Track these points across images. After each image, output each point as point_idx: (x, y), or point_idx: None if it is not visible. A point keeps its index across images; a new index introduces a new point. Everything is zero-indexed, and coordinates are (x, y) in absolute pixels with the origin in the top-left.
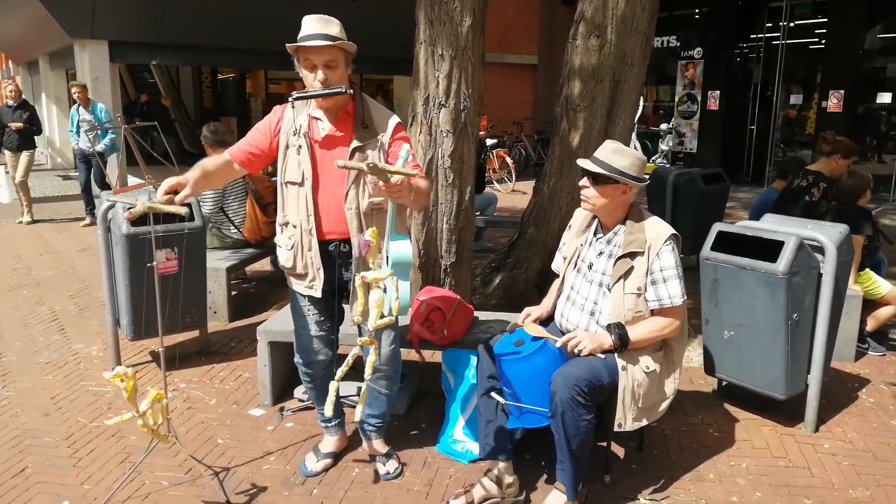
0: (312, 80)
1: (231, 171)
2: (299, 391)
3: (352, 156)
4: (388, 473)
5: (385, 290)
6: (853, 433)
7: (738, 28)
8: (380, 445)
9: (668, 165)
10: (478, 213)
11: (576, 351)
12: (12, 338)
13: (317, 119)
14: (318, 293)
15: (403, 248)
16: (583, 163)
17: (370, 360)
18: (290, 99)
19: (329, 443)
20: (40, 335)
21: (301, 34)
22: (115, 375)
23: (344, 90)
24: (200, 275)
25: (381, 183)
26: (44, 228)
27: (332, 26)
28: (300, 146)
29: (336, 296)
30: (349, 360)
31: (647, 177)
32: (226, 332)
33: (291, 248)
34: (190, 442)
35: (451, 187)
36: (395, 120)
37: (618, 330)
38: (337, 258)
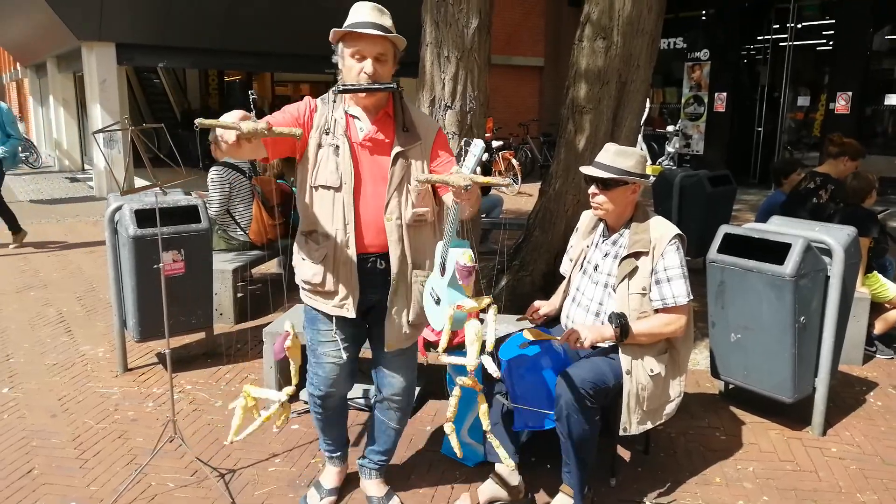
0: (357, 73)
1: (254, 145)
2: (305, 394)
3: (394, 162)
4: None
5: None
6: (861, 437)
7: (745, 29)
8: (379, 486)
9: (674, 167)
10: (483, 216)
11: (577, 343)
12: (20, 339)
13: (354, 118)
14: (351, 313)
15: (465, 254)
16: (587, 170)
17: (483, 410)
18: (333, 91)
19: (332, 476)
20: (48, 336)
21: (352, 20)
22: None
23: (396, 86)
24: (207, 277)
25: (453, 190)
26: (51, 230)
27: (386, 18)
28: (338, 146)
29: (363, 319)
30: (452, 402)
31: (650, 174)
32: (232, 333)
33: (321, 261)
34: (196, 444)
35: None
36: (436, 125)
37: (619, 319)
38: (371, 275)
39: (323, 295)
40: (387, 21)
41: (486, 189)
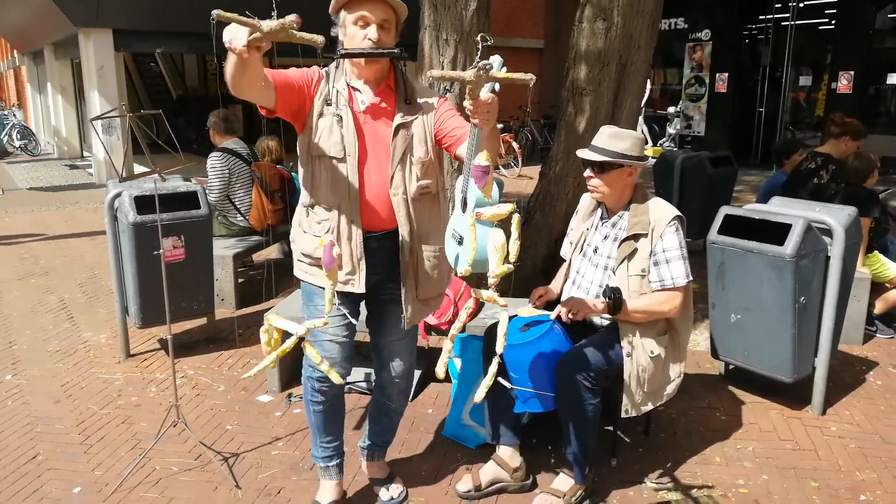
0: (361, 40)
1: (263, 80)
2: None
3: (395, 133)
4: (393, 499)
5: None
6: (860, 416)
7: (747, 9)
8: (382, 469)
9: (675, 149)
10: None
11: (570, 316)
12: (22, 326)
13: (356, 90)
14: (360, 288)
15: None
16: (583, 153)
17: (502, 330)
18: (336, 55)
19: (329, 491)
20: (50, 323)
21: None
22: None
23: (400, 52)
24: (207, 262)
25: (469, 104)
26: (51, 217)
27: None
28: (341, 116)
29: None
30: (462, 316)
31: (649, 155)
32: (233, 319)
33: (325, 234)
34: (199, 428)
35: (456, 173)
36: (438, 95)
37: (612, 293)
38: (377, 255)
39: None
40: None
41: None
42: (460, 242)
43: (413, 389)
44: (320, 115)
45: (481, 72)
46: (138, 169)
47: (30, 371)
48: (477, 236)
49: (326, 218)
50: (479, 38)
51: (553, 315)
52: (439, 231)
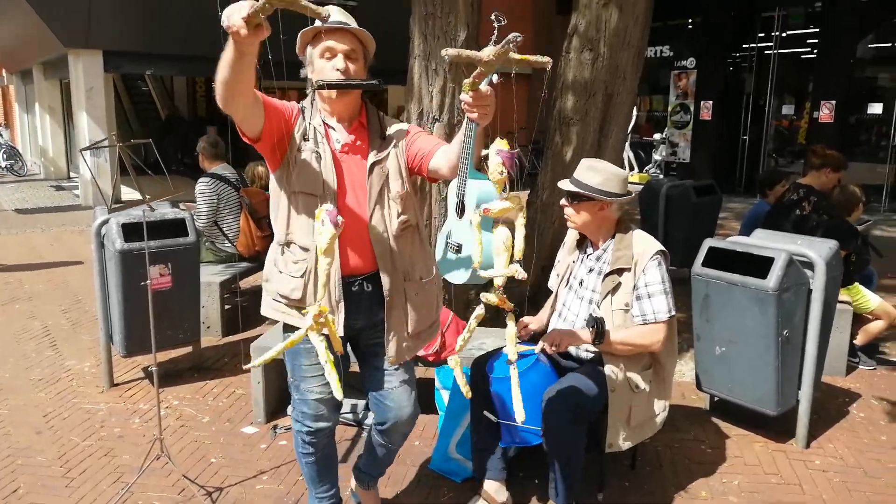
0: (330, 71)
1: (254, 95)
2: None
3: (370, 172)
4: None
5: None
6: (844, 449)
7: (731, 38)
8: (375, 499)
9: (661, 175)
10: None
11: (553, 347)
12: (5, 353)
13: (331, 128)
14: (339, 331)
15: (487, 186)
16: (561, 183)
17: (510, 334)
18: (313, 87)
19: None
20: (33, 351)
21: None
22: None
23: (378, 83)
24: (194, 290)
25: (468, 94)
26: (37, 239)
27: (352, 21)
28: (319, 153)
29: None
30: (472, 324)
31: (628, 192)
32: (219, 347)
33: (302, 275)
34: (183, 461)
35: (444, 202)
36: (406, 125)
37: (595, 322)
38: (360, 299)
39: (303, 310)
40: (352, 22)
41: None
42: (458, 251)
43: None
44: (299, 149)
45: (509, 45)
46: (125, 192)
47: (12, 401)
48: (483, 235)
49: (304, 258)
50: (493, 18)
51: (537, 349)
52: (424, 262)
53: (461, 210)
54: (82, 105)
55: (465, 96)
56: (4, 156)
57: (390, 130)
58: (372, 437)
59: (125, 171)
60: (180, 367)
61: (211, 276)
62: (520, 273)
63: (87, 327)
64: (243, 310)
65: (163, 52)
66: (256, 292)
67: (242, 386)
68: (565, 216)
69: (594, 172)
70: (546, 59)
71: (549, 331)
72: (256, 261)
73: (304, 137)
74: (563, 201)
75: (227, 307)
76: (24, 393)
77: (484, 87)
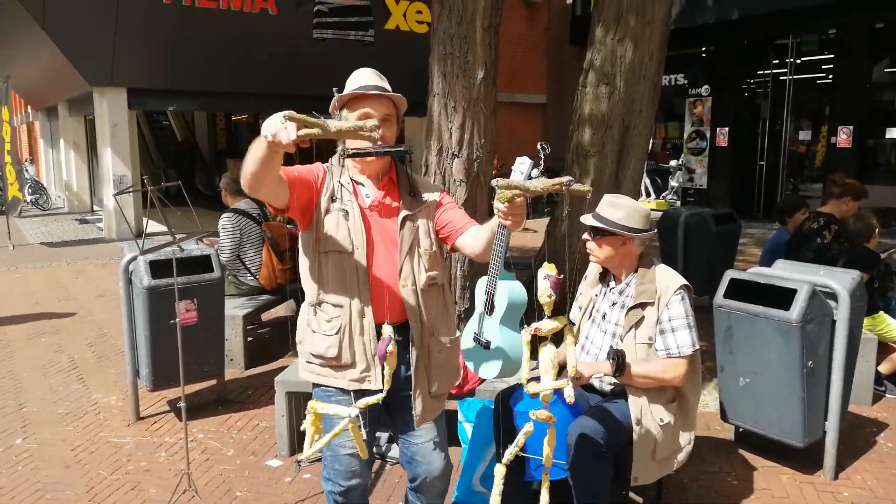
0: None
1: (279, 177)
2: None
3: (402, 225)
4: None
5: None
6: (872, 480)
7: (745, 65)
8: None
9: (678, 202)
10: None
11: (576, 380)
12: (32, 387)
13: (359, 184)
14: (376, 384)
15: (517, 288)
16: (584, 218)
17: (550, 440)
18: (340, 155)
19: None
20: (60, 384)
21: (354, 85)
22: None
23: (405, 150)
24: (219, 325)
25: (504, 204)
26: (62, 273)
27: (385, 82)
28: (347, 211)
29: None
30: (520, 439)
31: (651, 227)
32: (242, 379)
33: (336, 332)
34: (209, 494)
35: (462, 264)
36: (439, 188)
37: (616, 354)
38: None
39: (339, 368)
40: (386, 84)
41: None
42: (486, 347)
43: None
44: (327, 211)
45: (563, 187)
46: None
47: (40, 434)
48: (509, 341)
49: (337, 315)
50: (539, 147)
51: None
52: (447, 322)
53: (490, 308)
54: (107, 141)
55: (501, 205)
56: (30, 190)
57: (421, 189)
58: (408, 500)
59: (147, 205)
60: (204, 401)
61: (234, 309)
62: (568, 393)
63: (112, 361)
64: (266, 342)
65: (185, 89)
66: (279, 325)
67: (266, 419)
68: (588, 250)
69: (616, 208)
70: (587, 188)
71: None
72: (279, 293)
73: (332, 198)
74: (585, 235)
75: (249, 339)
76: (51, 427)
77: (519, 199)
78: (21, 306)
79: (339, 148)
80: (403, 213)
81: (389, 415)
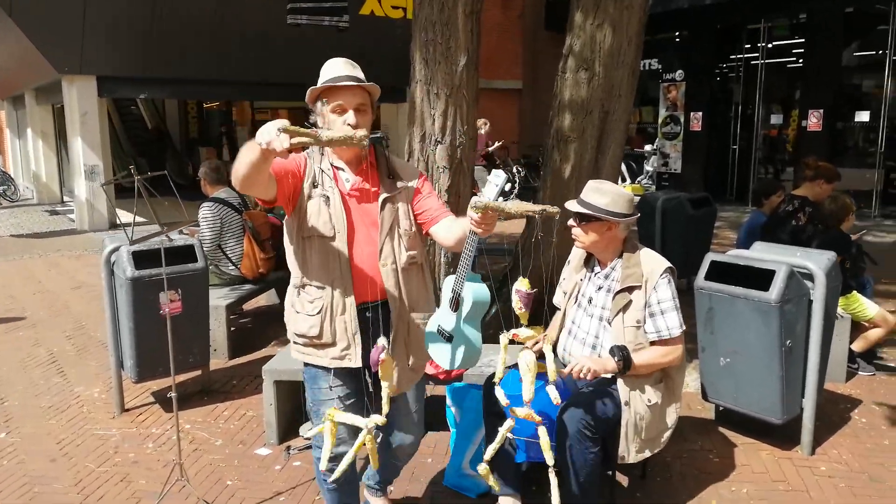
0: (341, 125)
1: (269, 176)
2: (305, 430)
3: (382, 207)
4: None
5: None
6: (848, 454)
7: (718, 50)
8: (386, 502)
9: (653, 186)
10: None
11: (581, 376)
12: (13, 381)
13: (339, 169)
14: (356, 362)
15: (483, 290)
16: (568, 204)
17: (545, 444)
18: (322, 142)
19: None
20: (40, 378)
21: (327, 76)
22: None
23: (382, 136)
24: (204, 315)
25: (477, 214)
26: (35, 265)
27: (358, 70)
28: (328, 196)
29: (367, 373)
30: (500, 437)
31: (635, 212)
32: (226, 369)
33: (318, 312)
34: (199, 484)
35: (446, 265)
36: (417, 170)
37: (621, 352)
38: (372, 325)
39: (321, 347)
40: (359, 73)
41: None
42: (448, 340)
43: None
44: (309, 197)
45: (543, 212)
46: (121, 216)
47: (23, 428)
48: (469, 337)
49: (319, 297)
50: (515, 171)
51: (566, 372)
52: (426, 299)
53: (456, 304)
54: (77, 130)
55: (474, 214)
56: None
57: (400, 171)
58: (382, 456)
59: (121, 194)
60: (190, 391)
61: (217, 299)
62: (553, 393)
63: (93, 353)
64: (249, 332)
65: (155, 76)
66: (261, 314)
67: (252, 408)
68: (573, 236)
69: (601, 194)
70: (555, 209)
71: (559, 348)
72: (260, 283)
73: (314, 184)
74: (570, 222)
75: (232, 329)
76: (34, 420)
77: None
78: None
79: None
80: (383, 195)
81: (374, 385)
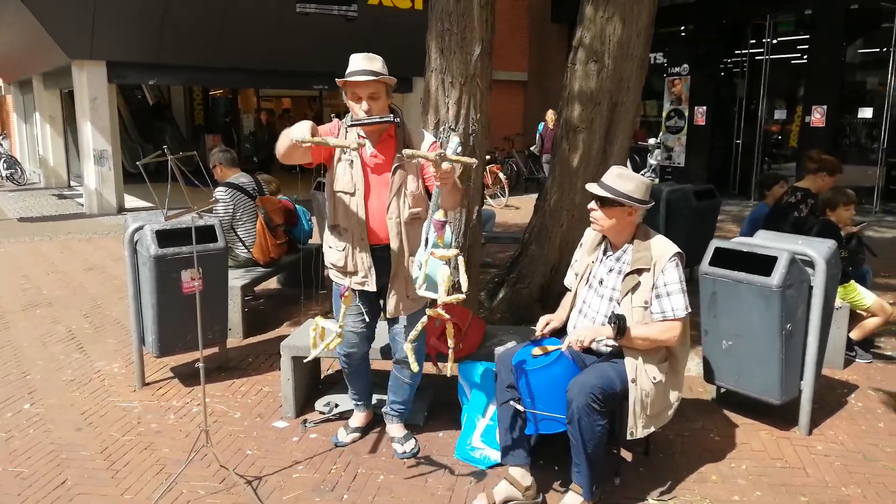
0: (358, 110)
1: (304, 150)
2: (320, 404)
3: (394, 172)
4: (405, 452)
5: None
6: (844, 435)
7: (724, 44)
8: (399, 429)
9: (656, 180)
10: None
11: (578, 343)
12: (34, 356)
13: (364, 138)
14: (373, 287)
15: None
16: (591, 187)
17: (449, 332)
18: (345, 125)
19: (358, 418)
20: (60, 353)
21: (349, 70)
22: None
23: (391, 119)
24: (222, 293)
25: (433, 169)
26: (46, 247)
27: (376, 63)
28: (352, 161)
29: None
30: (419, 326)
31: (652, 199)
32: (241, 348)
33: (343, 249)
34: (220, 452)
35: (460, 208)
36: (430, 139)
37: (616, 318)
38: (381, 261)
39: (345, 274)
40: (376, 65)
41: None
42: (420, 268)
43: (421, 366)
44: (339, 160)
45: (438, 157)
46: (128, 200)
47: (47, 400)
48: (430, 267)
49: (344, 237)
50: (444, 135)
51: (564, 347)
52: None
53: (426, 242)
54: (86, 115)
55: (432, 170)
56: (4, 165)
57: (415, 141)
58: (391, 376)
59: (128, 179)
60: (207, 367)
61: (232, 280)
62: (460, 298)
63: (110, 331)
64: (261, 312)
65: (165, 63)
66: (273, 296)
67: (268, 384)
68: (592, 219)
69: (625, 180)
70: (473, 160)
71: (569, 326)
72: (271, 266)
73: (343, 151)
74: (591, 205)
75: (245, 310)
76: (57, 393)
77: (446, 165)
78: (9, 279)
79: (347, 116)
80: (396, 162)
81: (383, 309)
